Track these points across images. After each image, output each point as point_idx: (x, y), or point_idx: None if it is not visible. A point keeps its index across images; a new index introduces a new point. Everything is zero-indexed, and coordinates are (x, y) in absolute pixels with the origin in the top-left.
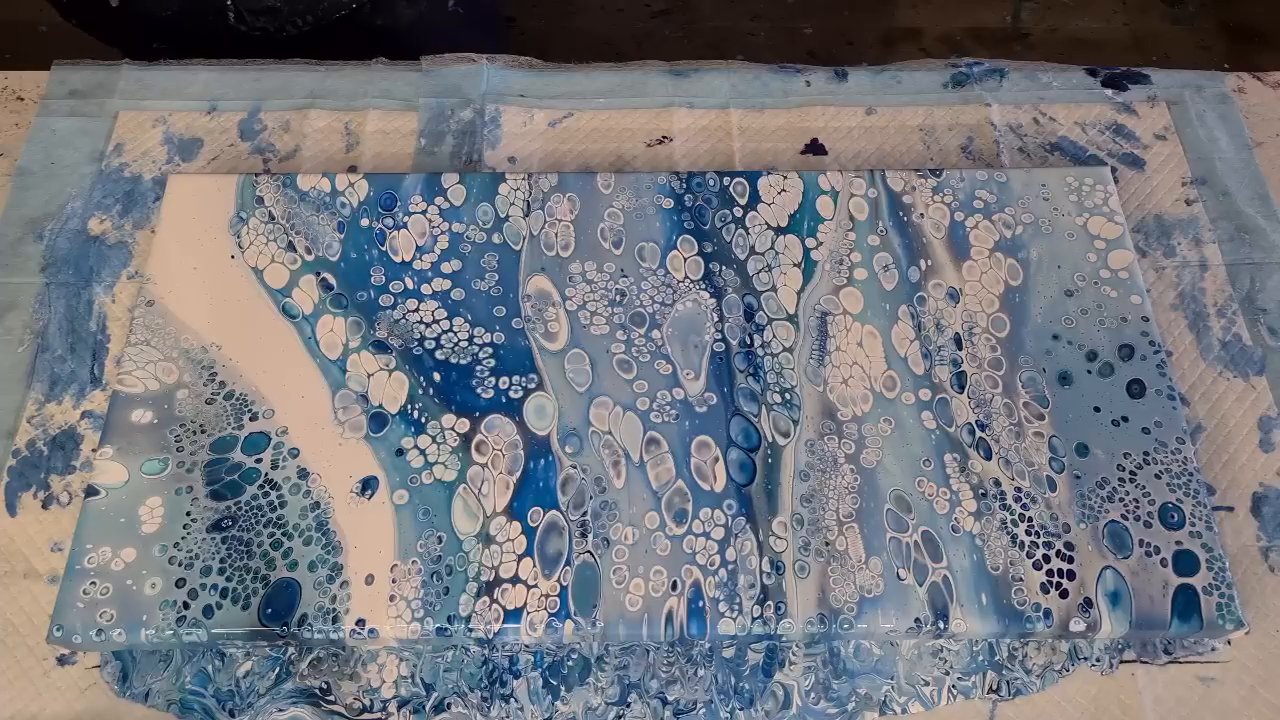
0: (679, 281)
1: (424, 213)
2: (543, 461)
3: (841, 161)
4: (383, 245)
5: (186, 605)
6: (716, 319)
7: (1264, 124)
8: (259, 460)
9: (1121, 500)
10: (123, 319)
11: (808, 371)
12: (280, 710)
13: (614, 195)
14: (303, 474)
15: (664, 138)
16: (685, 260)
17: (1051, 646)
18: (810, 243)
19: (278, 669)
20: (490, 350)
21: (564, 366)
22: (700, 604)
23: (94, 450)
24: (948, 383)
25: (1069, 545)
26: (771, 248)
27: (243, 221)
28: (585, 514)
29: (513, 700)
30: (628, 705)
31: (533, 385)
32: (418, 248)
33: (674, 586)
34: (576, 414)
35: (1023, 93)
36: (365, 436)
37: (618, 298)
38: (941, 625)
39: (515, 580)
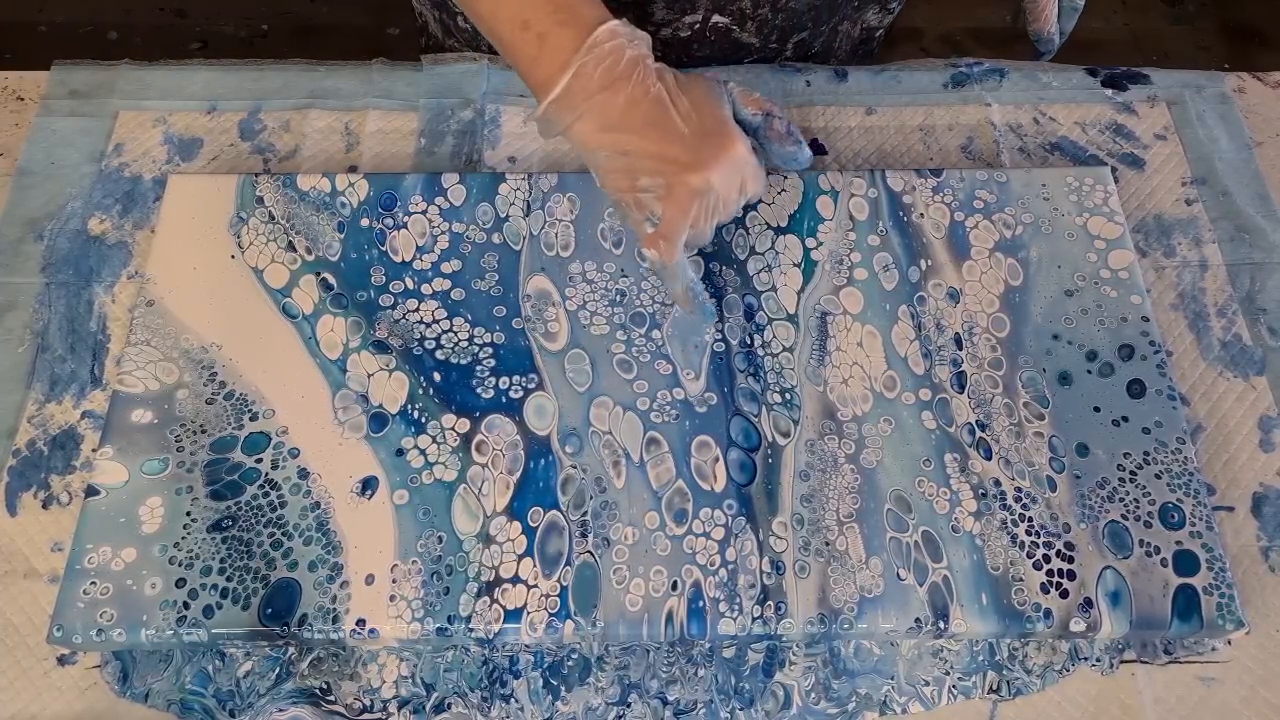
0: None
1: (424, 213)
2: (543, 461)
3: (841, 161)
4: (383, 245)
5: (186, 605)
6: (717, 319)
7: (1264, 124)
8: (259, 460)
9: (1121, 500)
10: (123, 319)
11: (808, 371)
12: (280, 710)
13: None
14: (303, 474)
15: None
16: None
17: (1052, 646)
18: (810, 243)
19: (278, 669)
20: (490, 350)
21: (564, 366)
22: (700, 604)
23: (94, 450)
24: (948, 383)
25: (1069, 545)
26: (771, 248)
27: (243, 221)
28: (585, 514)
29: (513, 700)
30: (628, 705)
31: (533, 385)
32: (418, 248)
33: (674, 586)
34: (576, 414)
35: (1023, 93)
36: (365, 436)
37: (618, 298)
38: (941, 625)
39: (515, 580)
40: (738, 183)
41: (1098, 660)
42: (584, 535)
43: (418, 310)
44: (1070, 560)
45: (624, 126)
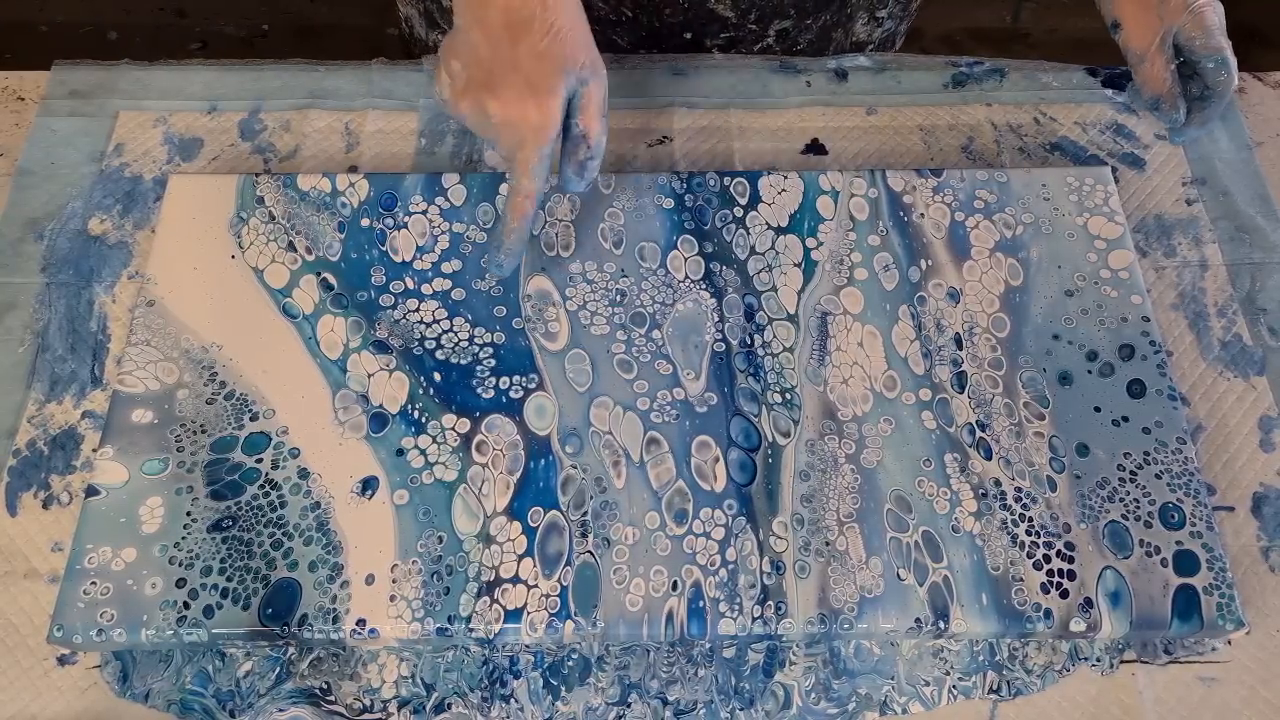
0: (679, 281)
1: (424, 213)
2: (543, 461)
3: (841, 161)
4: (383, 245)
5: (187, 605)
6: (717, 319)
7: (1264, 124)
8: (259, 460)
9: (1122, 500)
10: (123, 319)
11: (808, 371)
12: (280, 710)
13: (614, 195)
14: (303, 474)
15: (664, 138)
16: (685, 260)
17: (1052, 646)
18: (810, 243)
19: (278, 669)
20: (490, 350)
21: (564, 366)
22: (700, 604)
23: (94, 450)
24: (948, 383)
25: (1069, 545)
26: (772, 248)
27: (243, 221)
28: (585, 514)
29: (513, 700)
30: (628, 705)
31: (533, 385)
32: (418, 248)
33: (674, 586)
34: (577, 414)
35: (1023, 93)
36: (365, 436)
37: (618, 298)
38: (942, 625)
39: (515, 580)
40: (520, 132)
41: (1098, 660)
42: (584, 535)
43: (418, 310)
44: (1070, 560)
45: (478, 17)
